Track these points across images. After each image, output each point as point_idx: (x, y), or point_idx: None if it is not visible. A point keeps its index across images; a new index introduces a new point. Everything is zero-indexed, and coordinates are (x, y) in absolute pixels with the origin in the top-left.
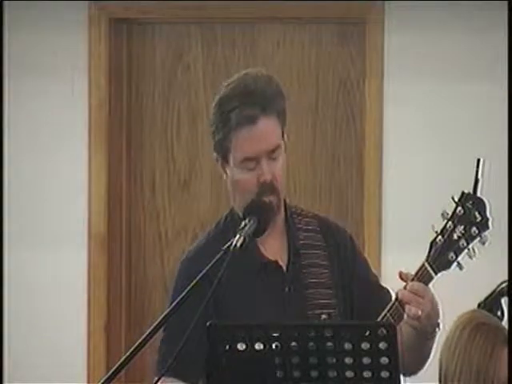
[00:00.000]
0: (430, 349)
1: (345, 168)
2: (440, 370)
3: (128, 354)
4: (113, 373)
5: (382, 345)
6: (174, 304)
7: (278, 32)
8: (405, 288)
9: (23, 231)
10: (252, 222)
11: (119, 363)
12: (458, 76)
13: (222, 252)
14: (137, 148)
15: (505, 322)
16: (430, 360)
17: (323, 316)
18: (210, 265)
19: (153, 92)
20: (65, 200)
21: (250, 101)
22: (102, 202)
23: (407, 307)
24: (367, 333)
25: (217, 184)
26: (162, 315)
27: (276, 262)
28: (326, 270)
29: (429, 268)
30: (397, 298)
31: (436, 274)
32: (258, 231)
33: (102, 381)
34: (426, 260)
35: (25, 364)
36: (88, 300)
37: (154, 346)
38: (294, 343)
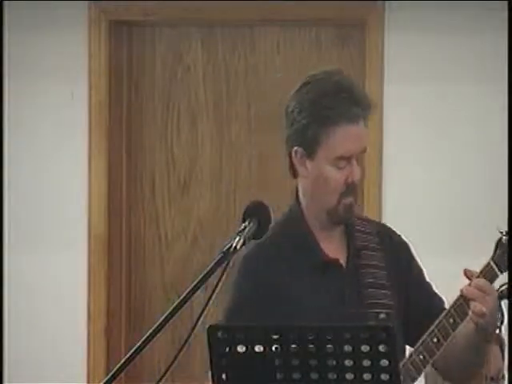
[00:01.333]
0: (485, 355)
1: None
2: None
3: (129, 355)
4: (113, 374)
5: (382, 347)
6: (174, 305)
7: (277, 33)
8: (469, 285)
9: (23, 232)
10: (252, 223)
11: (120, 364)
12: (458, 77)
13: (221, 254)
14: (137, 149)
15: (505, 325)
16: None
17: (381, 315)
18: (209, 266)
19: (153, 93)
20: (65, 201)
21: (354, 100)
22: (102, 204)
23: (472, 304)
24: (367, 335)
25: (217, 186)
26: (163, 316)
27: (337, 261)
28: (384, 272)
29: (494, 266)
30: (461, 295)
31: (502, 272)
32: (258, 233)
33: (103, 382)
34: (492, 258)
35: (25, 365)
36: (88, 302)
37: (156, 344)
38: (293, 345)
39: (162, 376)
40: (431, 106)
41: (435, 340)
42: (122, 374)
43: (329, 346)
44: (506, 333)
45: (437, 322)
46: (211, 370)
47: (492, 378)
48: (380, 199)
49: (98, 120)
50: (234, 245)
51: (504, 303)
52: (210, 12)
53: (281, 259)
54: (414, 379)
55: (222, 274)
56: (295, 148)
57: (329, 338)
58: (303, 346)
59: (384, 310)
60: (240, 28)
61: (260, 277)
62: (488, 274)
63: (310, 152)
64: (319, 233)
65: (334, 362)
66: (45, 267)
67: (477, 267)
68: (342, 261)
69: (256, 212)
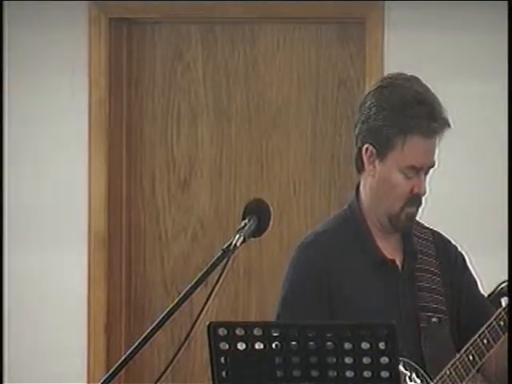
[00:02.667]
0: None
1: (345, 168)
2: None
3: (128, 353)
4: (113, 372)
5: (382, 345)
6: (173, 305)
7: (277, 32)
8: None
9: (23, 231)
10: (252, 221)
11: (119, 363)
12: (458, 76)
13: (221, 252)
14: (137, 147)
15: None
16: None
17: (433, 319)
18: (209, 264)
19: (153, 92)
20: (65, 200)
21: (435, 115)
22: (102, 202)
23: None
24: (367, 333)
25: (217, 184)
26: (163, 314)
27: (393, 261)
28: (438, 278)
29: None
30: (498, 317)
31: None
32: (258, 231)
33: (102, 380)
34: None
35: (25, 364)
36: (88, 300)
37: (156, 343)
38: (294, 343)
39: (162, 374)
40: None
41: (485, 341)
42: (122, 373)
43: (329, 343)
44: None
45: (488, 323)
46: (211, 367)
47: None
48: None
49: (97, 118)
50: (234, 242)
51: (504, 300)
52: (209, 10)
53: (337, 254)
54: (463, 379)
55: (222, 272)
56: (367, 145)
57: (329, 335)
58: (303, 343)
59: (437, 315)
60: (240, 26)
61: (315, 269)
62: None
63: (382, 154)
64: (377, 232)
65: (334, 360)
66: (45, 266)
67: (479, 267)
68: (399, 262)
69: (256, 209)
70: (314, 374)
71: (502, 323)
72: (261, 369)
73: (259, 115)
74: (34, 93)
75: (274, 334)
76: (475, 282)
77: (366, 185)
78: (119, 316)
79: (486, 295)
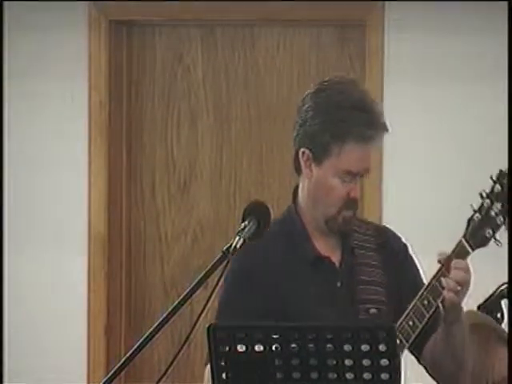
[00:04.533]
0: (459, 342)
1: None
2: None
3: (128, 355)
4: (113, 373)
5: (382, 347)
6: (173, 305)
7: (277, 34)
8: (445, 267)
9: (23, 232)
10: (251, 223)
11: (119, 364)
12: (458, 77)
13: (221, 254)
14: (137, 149)
15: (505, 324)
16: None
17: (372, 310)
18: (209, 266)
19: (153, 93)
20: (65, 201)
21: (373, 121)
22: (102, 203)
23: (445, 280)
24: (367, 334)
25: (216, 186)
26: (163, 316)
27: (328, 258)
28: (378, 270)
29: (466, 244)
30: (434, 276)
31: (473, 250)
32: (258, 233)
33: (102, 381)
34: (464, 236)
35: (25, 365)
36: (88, 301)
37: (156, 344)
38: (293, 345)
39: (162, 375)
40: (431, 106)
41: (410, 323)
42: (122, 374)
43: (329, 345)
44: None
45: (411, 304)
46: (211, 370)
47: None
48: (380, 199)
49: (97, 120)
50: (234, 244)
51: (504, 303)
52: (210, 12)
53: (274, 255)
54: (403, 346)
55: (222, 274)
56: (303, 149)
57: (329, 337)
58: (303, 345)
59: (376, 306)
60: (240, 28)
61: (252, 272)
62: (459, 252)
63: (319, 158)
64: (313, 232)
65: (334, 362)
66: (45, 266)
67: (479, 267)
68: (335, 259)
69: (256, 212)
70: (314, 376)
71: (425, 302)
72: (261, 371)
73: (259, 118)
74: (34, 95)
75: (274, 336)
76: (417, 272)
77: (304, 187)
78: (119, 317)
79: (485, 298)
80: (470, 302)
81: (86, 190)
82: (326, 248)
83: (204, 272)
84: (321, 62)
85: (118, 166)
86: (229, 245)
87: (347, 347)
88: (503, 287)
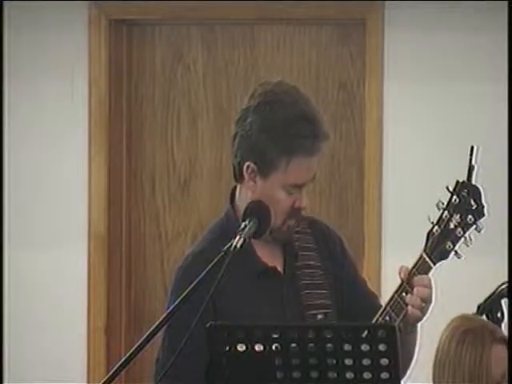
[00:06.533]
0: (412, 348)
1: (345, 168)
2: (433, 381)
3: (128, 354)
4: (113, 373)
5: (382, 346)
6: (174, 305)
7: (277, 33)
8: (407, 282)
9: (23, 231)
10: (252, 223)
11: (119, 364)
12: (458, 76)
13: (221, 253)
14: (137, 148)
15: (505, 324)
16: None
17: (319, 316)
18: (210, 266)
19: (153, 92)
20: (65, 200)
21: (317, 133)
22: (102, 202)
23: (410, 298)
24: (367, 334)
25: (216, 184)
26: (163, 316)
27: (274, 268)
28: (320, 271)
29: (427, 259)
30: (396, 292)
31: (434, 264)
32: (258, 232)
33: (102, 381)
34: (424, 251)
35: (25, 364)
36: (88, 300)
37: (156, 344)
38: (293, 344)
39: (162, 375)
40: (431, 106)
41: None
42: (122, 374)
43: (329, 344)
44: (506, 332)
45: (374, 320)
46: (211, 370)
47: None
48: (380, 199)
49: (98, 119)
50: (235, 244)
51: (504, 302)
52: (210, 11)
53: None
54: None
55: (223, 274)
56: (248, 163)
57: (329, 336)
58: (303, 344)
59: (322, 311)
60: (240, 27)
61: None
62: (421, 267)
63: (264, 172)
64: (255, 241)
65: (334, 361)
66: (44, 266)
67: (479, 266)
68: (280, 266)
69: (256, 211)
70: (314, 375)
71: (387, 318)
72: (261, 370)
73: None
74: (34, 94)
75: (274, 336)
76: (354, 268)
77: (245, 197)
78: (119, 317)
79: (485, 297)
80: (470, 302)
81: (86, 190)
82: (270, 256)
83: (205, 271)
84: (321, 61)
85: (117, 165)
86: (229, 244)
87: (347, 347)
88: (503, 286)
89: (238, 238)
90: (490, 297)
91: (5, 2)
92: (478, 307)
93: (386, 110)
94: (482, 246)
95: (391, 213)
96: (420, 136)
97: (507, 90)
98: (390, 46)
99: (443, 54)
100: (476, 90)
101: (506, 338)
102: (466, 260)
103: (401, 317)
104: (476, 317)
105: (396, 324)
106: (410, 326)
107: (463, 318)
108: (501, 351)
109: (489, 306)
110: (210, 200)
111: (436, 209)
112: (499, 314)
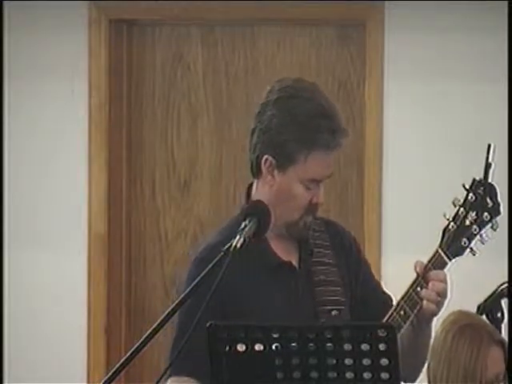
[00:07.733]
0: (425, 347)
1: (345, 168)
2: (428, 373)
3: (128, 354)
4: (113, 373)
5: (382, 346)
6: (173, 304)
7: (278, 33)
8: (422, 276)
9: (23, 232)
10: (252, 223)
11: (119, 364)
12: (459, 76)
13: (221, 253)
14: (137, 148)
15: (505, 324)
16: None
17: (334, 312)
18: (210, 266)
19: (153, 92)
20: (65, 200)
21: (337, 129)
22: (102, 203)
23: (425, 292)
24: (367, 334)
25: (217, 185)
26: (163, 315)
27: (290, 263)
28: (334, 269)
29: (443, 254)
30: (411, 287)
31: (450, 260)
32: (259, 232)
33: (102, 381)
34: (440, 246)
35: (25, 364)
36: (88, 301)
37: (156, 344)
38: (293, 344)
39: (162, 375)
40: (431, 106)
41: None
42: (122, 374)
43: (329, 344)
44: (506, 332)
45: (388, 314)
46: (211, 369)
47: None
48: (380, 199)
49: (98, 119)
50: (235, 244)
51: (504, 302)
52: (210, 11)
53: (233, 263)
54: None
55: (223, 274)
56: (266, 156)
57: (329, 336)
58: (303, 344)
59: (336, 307)
60: (240, 27)
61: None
62: (437, 263)
63: (283, 166)
64: (272, 236)
65: (334, 361)
66: (45, 267)
67: (478, 267)
68: (295, 262)
69: (256, 211)
70: (314, 375)
71: (402, 313)
72: (261, 370)
73: None
74: (35, 94)
75: (274, 336)
76: (369, 269)
77: (262, 192)
78: (119, 317)
79: (485, 297)
80: (470, 302)
81: (86, 190)
82: (286, 252)
83: (205, 271)
84: (321, 62)
85: (117, 165)
86: (229, 244)
87: (347, 346)
88: (503, 286)
89: (238, 237)
90: (490, 297)
91: (5, 2)
92: (478, 307)
93: (386, 109)
94: (482, 246)
95: (391, 213)
96: (420, 136)
97: (507, 89)
98: (389, 46)
99: (443, 54)
100: (476, 90)
101: (504, 341)
102: (466, 260)
103: (415, 311)
104: (475, 314)
105: (410, 318)
106: (425, 321)
107: (462, 313)
108: (497, 352)
109: (489, 306)
110: (210, 200)
111: (450, 206)
112: (499, 314)
